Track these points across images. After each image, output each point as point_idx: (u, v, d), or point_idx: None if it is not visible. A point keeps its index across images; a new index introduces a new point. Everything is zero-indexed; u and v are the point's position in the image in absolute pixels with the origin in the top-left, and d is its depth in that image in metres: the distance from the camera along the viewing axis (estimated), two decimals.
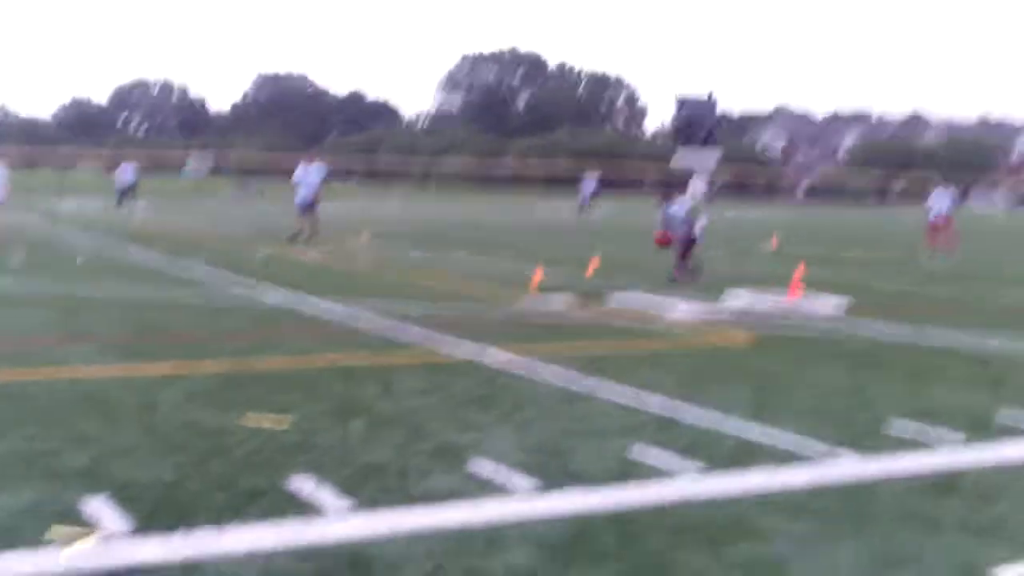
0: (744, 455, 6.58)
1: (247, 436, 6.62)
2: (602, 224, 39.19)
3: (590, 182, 46.23)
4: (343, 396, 7.93)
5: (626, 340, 11.12)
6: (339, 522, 5.10)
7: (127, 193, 39.81)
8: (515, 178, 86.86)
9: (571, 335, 11.38)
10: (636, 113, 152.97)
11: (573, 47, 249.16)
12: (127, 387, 8.05)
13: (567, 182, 65.30)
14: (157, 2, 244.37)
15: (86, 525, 4.92)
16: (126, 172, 40.59)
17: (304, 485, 5.62)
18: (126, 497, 5.33)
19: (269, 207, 45.93)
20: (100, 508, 5.16)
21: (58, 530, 4.83)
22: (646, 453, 6.49)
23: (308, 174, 24.97)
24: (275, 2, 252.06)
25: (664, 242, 17.80)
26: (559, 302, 14.02)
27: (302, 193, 24.83)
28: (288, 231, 25.09)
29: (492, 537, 4.92)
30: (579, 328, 12.04)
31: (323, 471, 5.88)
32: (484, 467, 6.06)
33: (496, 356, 9.76)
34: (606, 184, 56.00)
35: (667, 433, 7.06)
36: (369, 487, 5.63)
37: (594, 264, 18.00)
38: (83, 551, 4.61)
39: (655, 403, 7.96)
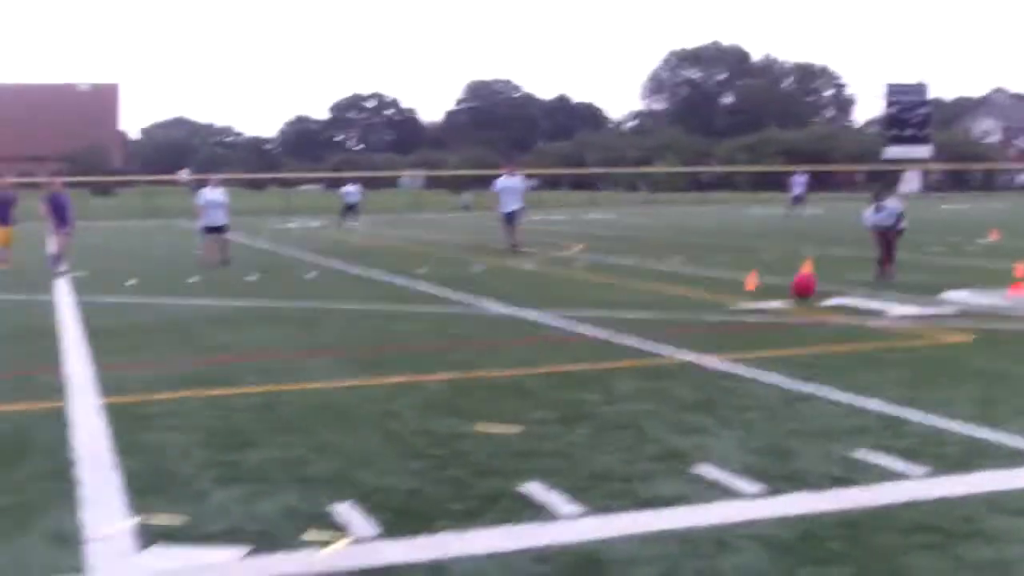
0: (971, 456, 6.54)
1: (480, 443, 6.96)
2: (813, 223, 38.53)
3: (799, 181, 45.35)
4: (567, 402, 8.20)
5: (844, 342, 11.05)
6: (571, 525, 5.35)
7: (351, 211, 41.44)
8: (723, 179, 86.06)
9: (788, 338, 11.39)
10: (844, 103, 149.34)
11: (777, 38, 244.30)
12: (365, 397, 8.52)
13: (776, 181, 64.42)
14: (370, 18, 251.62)
15: (337, 529, 5.32)
16: (351, 191, 42.28)
17: (536, 490, 5.90)
18: (371, 503, 5.72)
19: (482, 218, 46.88)
20: (348, 513, 5.55)
21: (313, 533, 5.23)
22: (871, 455, 6.53)
23: (511, 185, 25.38)
24: (482, 9, 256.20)
25: (805, 289, 15.89)
26: (775, 305, 13.99)
27: (505, 204, 25.19)
28: (501, 243, 25.61)
29: (721, 539, 5.08)
30: (796, 330, 12.03)
31: (553, 476, 6.15)
32: (709, 471, 6.22)
33: (714, 360, 9.88)
34: (816, 182, 54.92)
35: (891, 435, 7.07)
36: (598, 492, 5.87)
37: (807, 266, 17.83)
38: (337, 553, 4.99)
39: (877, 405, 7.95)
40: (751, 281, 16.01)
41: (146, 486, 6.08)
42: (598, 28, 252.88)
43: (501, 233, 26.05)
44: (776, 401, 8.19)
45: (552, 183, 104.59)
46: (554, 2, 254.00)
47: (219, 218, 22.18)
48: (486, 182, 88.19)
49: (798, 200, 44.63)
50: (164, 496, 5.90)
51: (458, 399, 8.39)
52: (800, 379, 8.97)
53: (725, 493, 5.83)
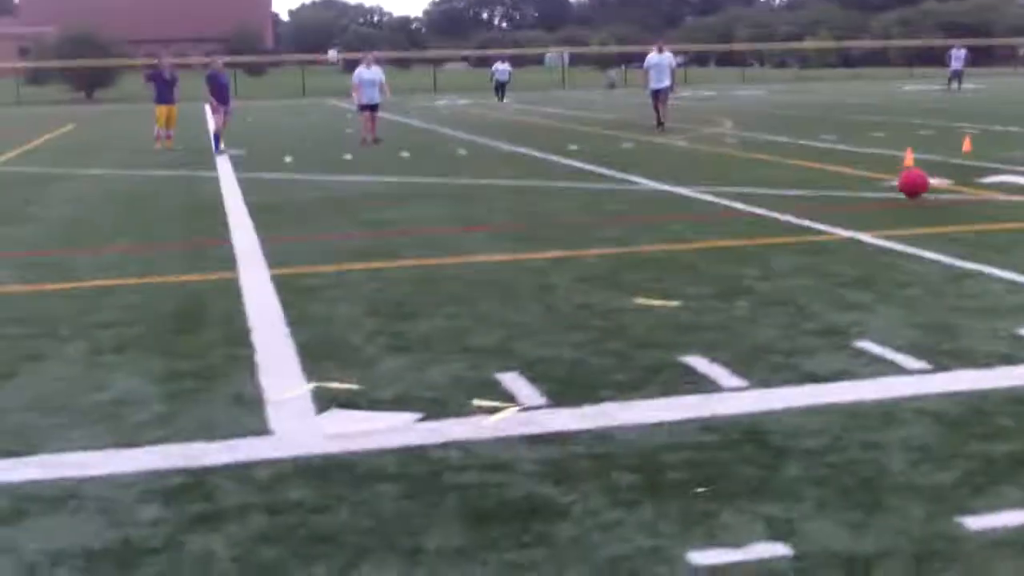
0: None
1: (639, 316, 7.03)
2: (973, 99, 37.14)
3: (958, 55, 43.52)
4: (725, 278, 8.20)
5: (1007, 220, 10.75)
6: (735, 397, 5.41)
7: (502, 88, 41.82)
8: (877, 54, 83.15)
9: (949, 216, 11.14)
10: None
11: None
12: (523, 271, 8.65)
13: (933, 56, 61.99)
14: None
15: (504, 397, 5.47)
16: (501, 69, 42.98)
17: (698, 362, 5.96)
18: (535, 373, 5.85)
19: (629, 95, 46.37)
20: (514, 381, 5.69)
21: (481, 401, 5.39)
22: None
23: (659, 61, 24.84)
24: None
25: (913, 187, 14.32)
26: (935, 182, 13.63)
27: (654, 80, 24.81)
28: (649, 119, 25.34)
29: (887, 412, 5.08)
30: (956, 208, 11.74)
31: (714, 350, 6.20)
32: (871, 347, 6.19)
33: (873, 237, 9.73)
34: (976, 56, 52.65)
35: None
36: (760, 365, 5.90)
37: (967, 142, 17.29)
38: (505, 420, 5.14)
39: None
40: (909, 159, 15.58)
41: (319, 353, 6.32)
42: None
43: (649, 110, 25.70)
44: (937, 278, 8.06)
45: (700, 60, 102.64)
46: None
47: (373, 96, 22.32)
48: (631, 59, 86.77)
49: (956, 75, 42.96)
50: (336, 363, 6.12)
51: (615, 273, 8.45)
52: (962, 257, 8.78)
53: (890, 368, 5.80)
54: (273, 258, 9.43)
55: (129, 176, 16.81)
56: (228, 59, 69.25)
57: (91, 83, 56.06)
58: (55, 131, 29.78)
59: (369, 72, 22.44)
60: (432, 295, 7.82)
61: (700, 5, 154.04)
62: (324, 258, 9.41)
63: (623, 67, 68.96)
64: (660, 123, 24.39)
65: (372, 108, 22.35)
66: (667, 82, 24.77)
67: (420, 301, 7.62)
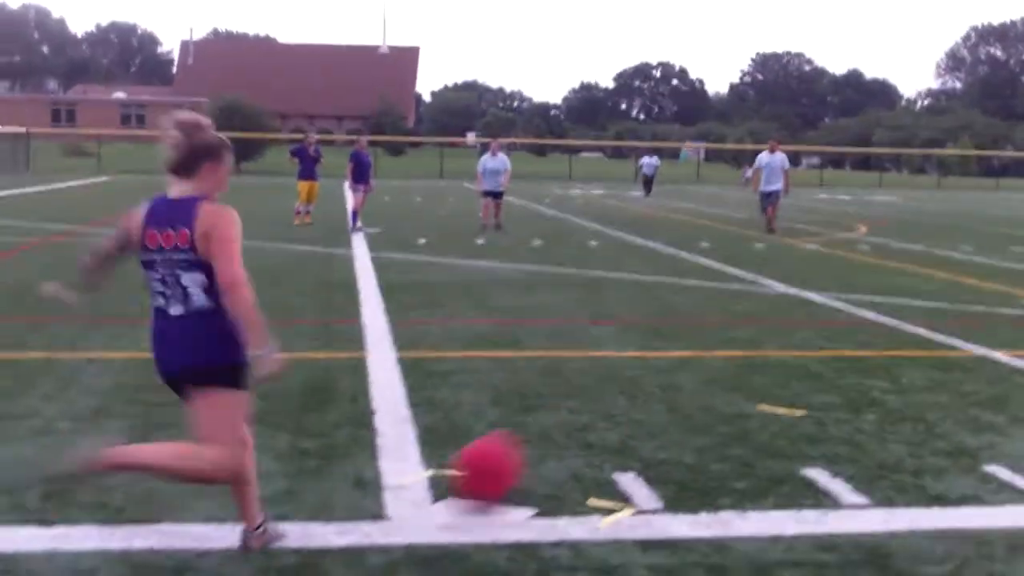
0: None
1: (763, 423, 6.97)
2: None
3: None
4: (853, 389, 8.08)
5: None
6: (857, 515, 5.32)
7: (650, 183, 41.67)
8: (1021, 165, 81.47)
9: None
10: None
11: None
12: (648, 368, 8.65)
13: None
14: None
15: (621, 498, 5.46)
16: (649, 163, 42.45)
17: (819, 476, 5.87)
18: (654, 474, 5.84)
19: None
20: (631, 483, 5.69)
21: (597, 501, 5.39)
22: None
23: (769, 162, 23.86)
24: None
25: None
26: None
27: (764, 183, 23.78)
28: (782, 220, 25.12)
29: (1014, 543, 4.95)
30: None
31: (837, 464, 6.11)
32: (1001, 472, 6.04)
33: (1009, 356, 9.50)
34: None
35: None
36: (884, 483, 5.79)
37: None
38: (621, 522, 5.13)
39: None
40: None
41: (440, 440, 6.39)
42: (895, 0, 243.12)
43: (756, 213, 24.89)
44: None
45: (837, 162, 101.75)
46: None
47: (496, 184, 22.49)
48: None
49: None
50: (456, 451, 6.19)
51: (742, 377, 8.39)
52: None
53: (1020, 497, 5.65)
54: (401, 340, 9.59)
55: (268, 249, 17.23)
56: (370, 138, 71.05)
57: (239, 155, 57.90)
58: None
59: (493, 161, 22.66)
60: (556, 387, 7.86)
61: (840, 105, 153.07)
62: (451, 343, 9.54)
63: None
64: (771, 228, 23.36)
65: (495, 195, 22.52)
66: (778, 185, 23.77)
67: (543, 393, 7.67)
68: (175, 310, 4.25)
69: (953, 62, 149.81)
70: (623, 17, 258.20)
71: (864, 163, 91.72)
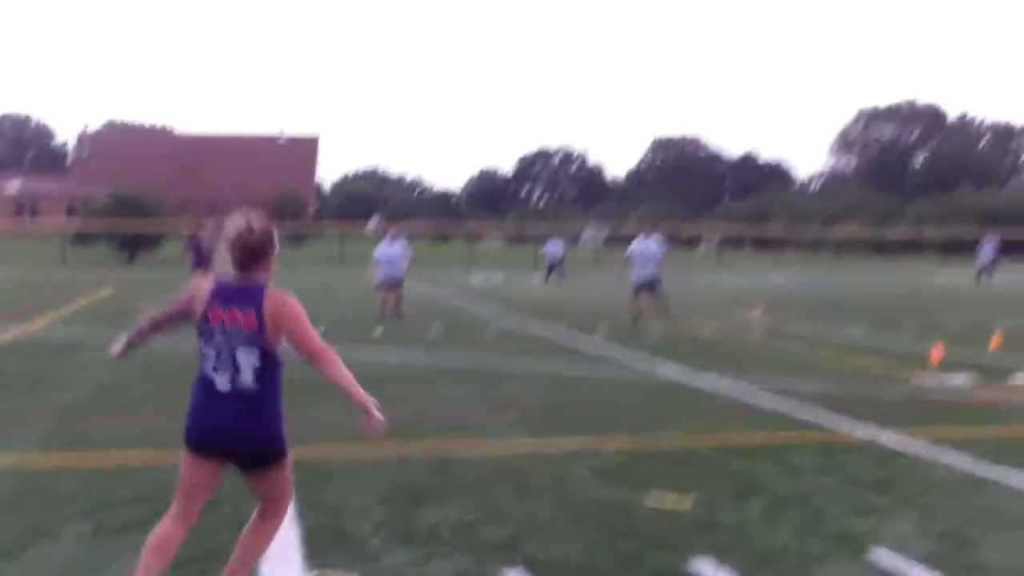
0: None
1: (651, 514, 6.98)
2: (1007, 293, 37.14)
3: (989, 247, 43.16)
4: (742, 475, 8.15)
5: None
6: None
7: (556, 268, 40.02)
8: (912, 243, 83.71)
9: (973, 416, 11.04)
10: None
11: (975, 95, 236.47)
12: (541, 460, 8.63)
13: (968, 247, 62.26)
14: (559, 72, 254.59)
15: None
16: (556, 247, 40.83)
17: (706, 567, 5.89)
18: (540, 573, 5.79)
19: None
20: None
21: None
22: None
23: (646, 247, 22.14)
24: (669, 65, 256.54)
25: None
26: (960, 380, 13.58)
27: (638, 271, 21.88)
28: (674, 307, 25.36)
29: None
30: (983, 409, 11.64)
31: (724, 553, 6.13)
32: (887, 556, 6.10)
33: (895, 437, 9.66)
34: (1010, 248, 52.47)
35: None
36: (769, 571, 5.82)
37: (997, 338, 17.26)
38: None
39: None
40: (936, 354, 15.58)
41: (324, 542, 6.30)
42: (788, 84, 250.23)
43: (626, 303, 22.62)
44: (959, 484, 7.98)
45: (736, 243, 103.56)
46: (743, 58, 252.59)
47: (393, 273, 22.41)
48: (668, 240, 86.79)
49: (987, 267, 42.57)
50: (340, 553, 6.10)
51: (632, 467, 8.42)
52: (981, 461, 8.71)
53: None
54: (292, 436, 9.43)
55: (162, 342, 16.96)
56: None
57: (134, 246, 57.17)
58: (96, 295, 30.28)
59: (390, 248, 22.56)
60: (446, 483, 7.80)
61: (737, 188, 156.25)
62: (341, 439, 9.41)
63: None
64: (636, 320, 21.40)
65: (394, 284, 22.41)
66: (653, 273, 21.79)
67: (433, 489, 7.61)
68: (222, 384, 4.82)
69: (844, 143, 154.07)
70: (523, 103, 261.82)
71: (762, 244, 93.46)
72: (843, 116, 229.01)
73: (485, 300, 29.24)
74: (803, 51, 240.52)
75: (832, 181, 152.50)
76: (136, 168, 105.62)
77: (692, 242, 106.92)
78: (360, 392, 5.08)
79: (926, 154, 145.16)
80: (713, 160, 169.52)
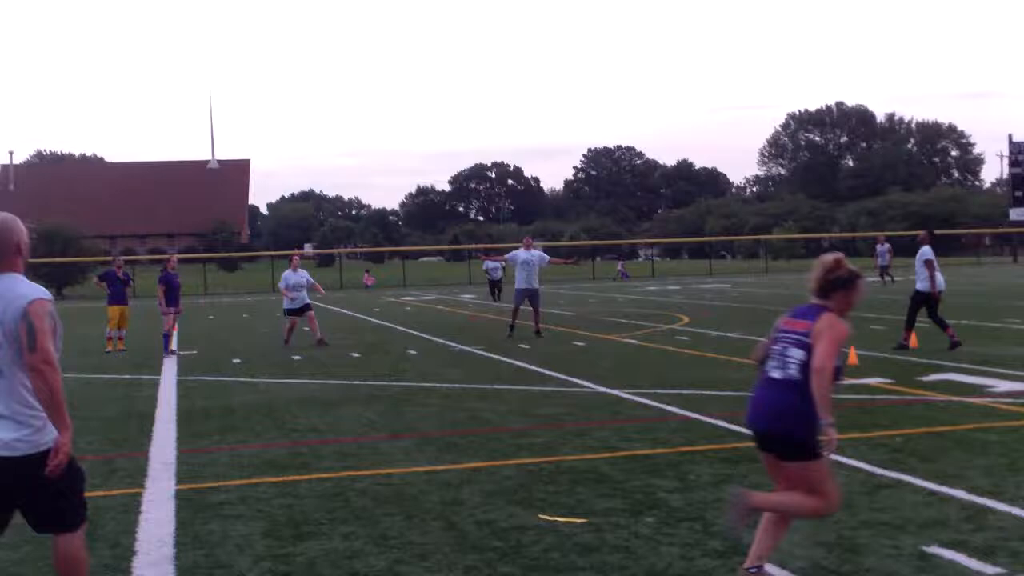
0: None
1: (540, 535, 6.84)
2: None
3: (882, 250, 43.35)
4: (638, 490, 8.03)
5: (940, 423, 10.65)
6: None
7: (497, 286, 39.03)
8: (847, 245, 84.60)
9: (882, 418, 11.02)
10: (971, 163, 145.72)
11: (903, 96, 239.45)
12: (436, 484, 8.46)
13: (900, 248, 62.95)
14: (491, 86, 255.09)
15: None
16: (494, 266, 39.42)
17: None
18: None
19: (597, 289, 46.67)
20: None
21: None
22: (944, 551, 6.26)
23: (528, 258, 22.30)
24: (598, 76, 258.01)
25: None
26: (873, 381, 13.60)
27: (520, 280, 22.24)
28: (606, 313, 25.34)
29: None
30: (891, 410, 11.63)
31: (605, 574, 6.00)
32: (768, 569, 5.99)
33: None
34: (941, 247, 52.81)
35: (971, 528, 6.76)
36: None
37: (913, 338, 17.36)
38: None
39: (962, 494, 7.63)
40: (852, 355, 15.62)
41: None
42: (720, 91, 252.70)
43: (511, 314, 22.83)
44: (856, 488, 7.91)
45: (672, 252, 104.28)
46: (673, 67, 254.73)
47: (304, 298, 22.06)
48: (600, 252, 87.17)
49: (884, 269, 42.66)
50: None
51: (529, 486, 8.28)
52: (884, 464, 8.68)
53: None
54: (184, 471, 9.24)
55: (70, 380, 16.61)
56: (204, 255, 69.91)
57: (61, 280, 56.33)
58: None
59: (296, 275, 22.13)
60: (335, 512, 7.62)
61: (673, 196, 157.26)
62: (237, 471, 9.22)
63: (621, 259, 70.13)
64: (512, 328, 22.05)
65: (306, 309, 22.08)
66: (536, 284, 22.24)
67: (321, 519, 7.42)
68: (775, 373, 5.81)
69: (775, 149, 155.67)
70: (457, 119, 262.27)
71: (700, 252, 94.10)
72: (774, 121, 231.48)
73: (412, 321, 29.00)
74: (732, 57, 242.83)
75: (765, 187, 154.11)
76: (63, 199, 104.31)
77: (630, 254, 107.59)
78: (828, 408, 5.69)
79: (856, 155, 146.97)
80: (648, 169, 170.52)
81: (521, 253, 22.65)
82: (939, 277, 17.73)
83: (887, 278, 41.61)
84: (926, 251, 17.80)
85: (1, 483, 4.75)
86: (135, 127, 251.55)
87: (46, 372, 4.72)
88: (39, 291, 4.87)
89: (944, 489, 7.79)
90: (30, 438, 4.74)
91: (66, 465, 4.78)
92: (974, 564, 6.02)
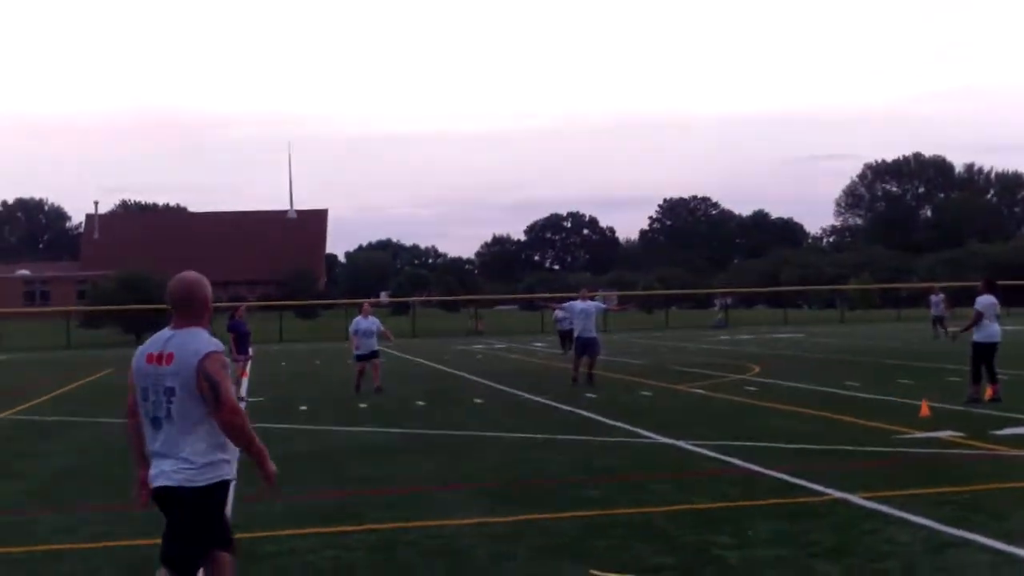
0: None
1: None
2: (1011, 342, 36.60)
3: (936, 301, 40.92)
4: (693, 546, 7.82)
5: (1012, 479, 10.28)
6: None
7: (568, 337, 37.98)
8: (922, 295, 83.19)
9: (952, 473, 10.68)
10: None
11: (980, 146, 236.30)
12: (486, 537, 8.31)
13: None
14: (564, 138, 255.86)
15: None
16: (563, 317, 36.04)
17: None
18: None
19: (674, 337, 46.34)
20: None
21: None
22: None
23: (586, 308, 22.82)
24: (673, 128, 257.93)
25: None
26: (945, 435, 13.23)
27: (581, 329, 22.76)
28: (676, 363, 25.06)
29: None
30: (962, 465, 11.27)
31: None
32: None
33: (864, 499, 9.32)
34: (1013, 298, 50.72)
35: None
36: None
37: (990, 390, 16.87)
38: None
39: None
40: (925, 408, 15.22)
41: None
42: (795, 142, 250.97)
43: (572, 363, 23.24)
44: (920, 548, 7.63)
45: (748, 301, 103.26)
46: (748, 117, 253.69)
47: (372, 345, 22.12)
48: (678, 302, 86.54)
49: (938, 320, 39.78)
50: None
51: (582, 541, 8.10)
52: (951, 522, 8.36)
53: None
54: (236, 520, 9.16)
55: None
56: (280, 302, 70.62)
57: (140, 327, 57.10)
58: (93, 375, 30.16)
59: (366, 322, 22.20)
60: (380, 566, 7.52)
61: (748, 246, 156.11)
62: (288, 521, 9.15)
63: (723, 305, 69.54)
64: (586, 376, 22.26)
65: (373, 356, 22.14)
66: (593, 333, 22.62)
67: (365, 573, 7.30)
68: None
69: (852, 199, 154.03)
70: (534, 170, 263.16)
71: (775, 301, 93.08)
72: (851, 171, 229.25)
73: (481, 369, 28.91)
74: (808, 108, 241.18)
75: (842, 238, 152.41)
76: (146, 247, 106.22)
77: (706, 303, 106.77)
78: None
79: (934, 207, 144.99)
80: (723, 220, 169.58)
81: (578, 304, 23.08)
82: (995, 328, 17.17)
83: (940, 330, 39.45)
84: (979, 300, 17.32)
85: (168, 512, 5.41)
86: (218, 178, 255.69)
87: (235, 421, 5.24)
88: (212, 344, 5.34)
89: (1012, 549, 7.48)
90: (185, 472, 5.27)
91: (195, 517, 5.34)
92: None
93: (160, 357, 5.33)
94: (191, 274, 5.62)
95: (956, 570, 7.01)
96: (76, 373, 31.41)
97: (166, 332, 5.45)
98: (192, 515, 5.32)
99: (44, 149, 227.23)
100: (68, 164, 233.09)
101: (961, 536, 7.93)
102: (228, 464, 5.46)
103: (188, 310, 5.45)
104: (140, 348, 5.51)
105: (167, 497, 5.35)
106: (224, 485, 5.44)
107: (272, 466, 5.53)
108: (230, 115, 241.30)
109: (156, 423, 5.36)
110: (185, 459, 5.27)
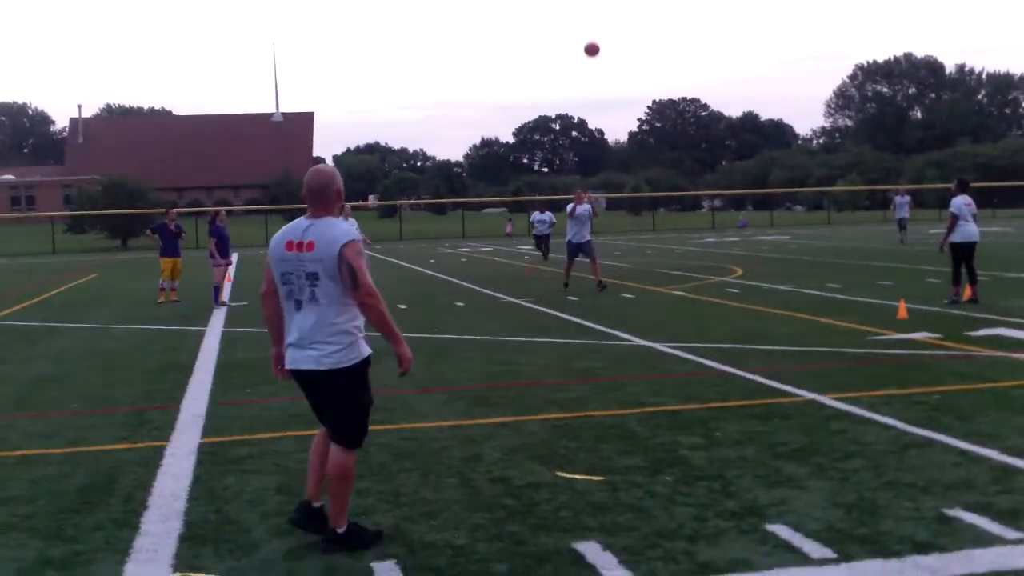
0: None
1: (553, 494, 6.74)
2: (995, 243, 36.73)
3: (902, 202, 39.20)
4: (661, 448, 7.90)
5: (982, 380, 10.38)
6: None
7: (545, 242, 34.96)
8: (913, 197, 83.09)
9: (923, 374, 10.75)
10: None
11: (971, 47, 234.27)
12: (458, 439, 8.38)
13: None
14: (556, 39, 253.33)
15: None
16: (541, 219, 35.26)
17: (589, 550, 5.65)
18: (413, 563, 5.54)
19: (664, 239, 46.35)
20: (388, 573, 5.41)
21: None
22: (966, 514, 6.06)
23: (581, 212, 22.10)
24: (663, 27, 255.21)
25: None
26: (920, 336, 13.32)
27: (570, 233, 22.28)
28: (658, 264, 25.10)
29: None
30: (933, 365, 11.35)
31: (614, 534, 5.89)
32: (782, 531, 5.86)
33: (834, 400, 9.41)
34: (1009, 198, 51.26)
35: (997, 490, 6.55)
36: (654, 553, 5.57)
37: (968, 290, 16.95)
38: None
39: (994, 454, 7.41)
40: (902, 309, 15.30)
41: (203, 536, 6.07)
42: (786, 42, 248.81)
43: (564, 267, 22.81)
44: (885, 447, 7.72)
45: (737, 203, 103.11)
46: (739, 17, 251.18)
47: None
48: (666, 204, 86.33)
49: (902, 224, 38.50)
50: (217, 548, 5.88)
51: (551, 443, 8.17)
52: (920, 423, 8.46)
53: (790, 558, 5.46)
54: (212, 425, 9.26)
55: (119, 331, 16.83)
56: (267, 206, 70.37)
57: (127, 231, 56.95)
58: (78, 280, 30.14)
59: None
60: (373, 463, 7.58)
61: (738, 148, 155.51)
62: (264, 424, 9.22)
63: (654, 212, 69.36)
64: (567, 284, 22.06)
65: None
66: (587, 236, 22.23)
67: None
68: None
69: (842, 100, 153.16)
70: (522, 71, 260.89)
71: (764, 203, 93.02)
72: (839, 72, 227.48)
73: (464, 272, 28.96)
74: (799, 7, 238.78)
75: (831, 139, 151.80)
76: (131, 151, 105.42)
77: (694, 204, 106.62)
78: None
79: (924, 107, 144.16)
80: (713, 121, 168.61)
81: (579, 208, 22.06)
82: (971, 228, 17.14)
83: (904, 234, 38.23)
84: (953, 202, 17.27)
85: (312, 392, 5.91)
86: (202, 80, 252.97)
87: (372, 303, 5.64)
88: (351, 233, 5.71)
89: (976, 449, 7.57)
90: (334, 354, 5.68)
91: (353, 396, 5.84)
92: (996, 528, 5.83)
93: (301, 245, 5.67)
94: (327, 167, 5.99)
95: (919, 469, 7.09)
96: (62, 278, 31.38)
97: (303, 221, 5.78)
98: (347, 394, 5.79)
99: (26, 52, 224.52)
100: (51, 67, 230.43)
101: (927, 436, 8.02)
102: (366, 343, 5.86)
103: (323, 201, 5.78)
104: (276, 236, 5.86)
105: (315, 382, 5.80)
106: (367, 362, 5.86)
107: (407, 351, 5.88)
108: (215, 13, 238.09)
109: (298, 305, 5.73)
110: (331, 343, 5.66)
